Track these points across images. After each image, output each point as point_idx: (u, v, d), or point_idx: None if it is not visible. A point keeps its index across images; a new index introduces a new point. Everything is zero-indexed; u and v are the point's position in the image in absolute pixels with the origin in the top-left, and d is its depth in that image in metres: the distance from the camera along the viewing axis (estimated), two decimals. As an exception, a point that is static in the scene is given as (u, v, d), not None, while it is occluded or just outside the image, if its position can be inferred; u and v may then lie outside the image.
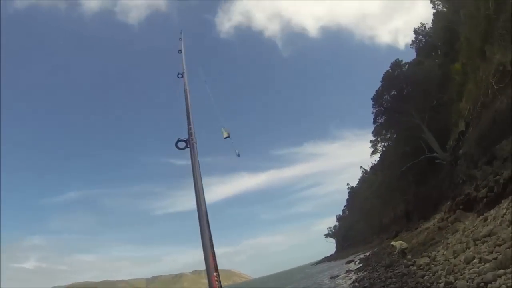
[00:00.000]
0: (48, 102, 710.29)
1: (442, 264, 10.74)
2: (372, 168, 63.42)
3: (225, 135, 3.21)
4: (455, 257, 10.33)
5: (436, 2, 41.81)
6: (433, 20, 41.46)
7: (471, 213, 15.91)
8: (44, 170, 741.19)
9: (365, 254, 38.39)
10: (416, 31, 44.39)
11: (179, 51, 4.21)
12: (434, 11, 41.61)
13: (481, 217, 13.13)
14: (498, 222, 10.44)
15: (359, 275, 20.88)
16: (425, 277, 10.57)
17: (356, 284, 17.63)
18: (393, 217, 49.41)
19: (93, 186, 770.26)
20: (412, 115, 32.68)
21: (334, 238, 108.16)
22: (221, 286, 1.89)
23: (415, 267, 12.79)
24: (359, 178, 79.62)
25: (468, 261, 8.85)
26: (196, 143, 2.62)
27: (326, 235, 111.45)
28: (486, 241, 9.48)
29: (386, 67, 37.39)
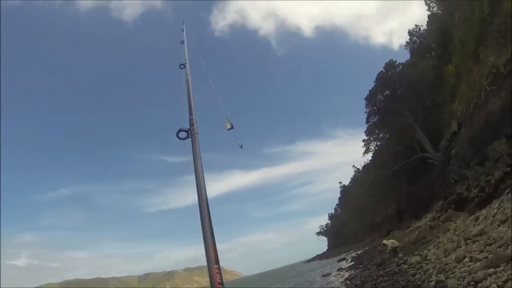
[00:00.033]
0: (40, 99, 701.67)
1: (433, 262, 10.80)
2: (364, 167, 63.84)
3: (228, 126, 3.12)
4: (446, 256, 10.40)
5: (431, 4, 42.13)
6: (427, 22, 41.77)
7: (462, 212, 16.03)
8: (36, 166, 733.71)
9: (357, 252, 38.65)
10: (410, 33, 44.60)
11: (181, 42, 4.16)
12: (429, 13, 41.93)
13: (472, 217, 13.22)
14: (489, 222, 10.54)
15: (351, 273, 21.00)
16: (416, 276, 10.66)
17: (348, 282, 17.73)
18: (385, 216, 49.86)
19: (86, 183, 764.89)
20: (405, 115, 32.86)
21: (326, 236, 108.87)
22: (221, 277, 1.85)
23: (406, 266, 12.86)
24: (352, 177, 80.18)
25: (459, 260, 8.90)
26: (197, 134, 2.57)
27: (318, 233, 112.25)
28: (477, 241, 9.53)
29: (380, 68, 37.37)
